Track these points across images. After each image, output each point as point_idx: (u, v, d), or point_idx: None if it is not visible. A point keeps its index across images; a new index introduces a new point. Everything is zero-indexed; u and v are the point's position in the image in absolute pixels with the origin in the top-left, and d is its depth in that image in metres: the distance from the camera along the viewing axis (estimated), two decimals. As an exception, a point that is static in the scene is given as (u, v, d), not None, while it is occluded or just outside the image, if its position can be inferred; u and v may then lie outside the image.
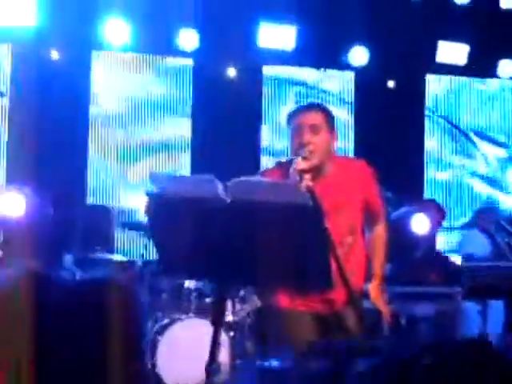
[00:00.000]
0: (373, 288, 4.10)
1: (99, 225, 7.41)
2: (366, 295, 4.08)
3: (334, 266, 3.42)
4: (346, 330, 3.89)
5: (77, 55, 8.49)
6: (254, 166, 8.98)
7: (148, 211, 2.97)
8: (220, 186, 2.81)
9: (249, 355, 5.96)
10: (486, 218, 7.96)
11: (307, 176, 3.70)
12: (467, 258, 7.42)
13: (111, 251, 7.35)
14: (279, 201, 2.79)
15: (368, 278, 4.11)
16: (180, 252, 3.00)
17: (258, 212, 2.81)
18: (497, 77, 9.91)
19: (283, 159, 4.03)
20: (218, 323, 3.31)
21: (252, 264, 2.93)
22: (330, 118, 4.03)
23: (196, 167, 8.91)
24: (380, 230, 4.22)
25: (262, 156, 9.29)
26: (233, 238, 2.87)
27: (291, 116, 4.02)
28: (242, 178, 2.84)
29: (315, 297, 3.77)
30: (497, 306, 7.50)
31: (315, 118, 3.96)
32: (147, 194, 2.93)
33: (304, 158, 3.77)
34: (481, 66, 9.75)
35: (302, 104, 4.41)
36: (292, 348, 3.69)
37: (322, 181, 3.86)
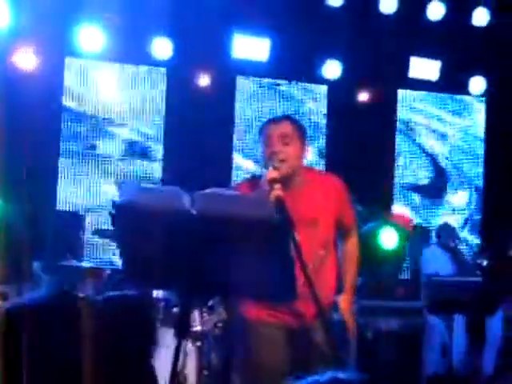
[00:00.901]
0: (343, 300, 4.12)
1: (68, 231, 7.37)
2: (335, 307, 4.10)
3: (302, 279, 3.47)
4: (315, 343, 3.89)
5: (50, 61, 8.46)
6: (226, 176, 9.03)
7: (113, 220, 2.97)
8: (186, 198, 2.82)
9: (215, 367, 5.95)
10: (446, 234, 8.05)
11: (277, 186, 3.69)
12: (430, 273, 7.49)
13: (80, 258, 7.32)
14: (244, 213, 2.81)
15: (339, 290, 4.13)
16: (145, 263, 3.00)
17: (224, 224, 2.82)
18: (468, 93, 10.01)
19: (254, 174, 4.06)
20: (181, 334, 3.31)
21: (218, 275, 2.95)
22: (301, 129, 4.04)
23: (168, 176, 8.90)
24: (352, 244, 4.24)
25: (233, 167, 9.31)
26: (198, 250, 2.88)
27: (263, 128, 4.05)
28: (208, 191, 2.86)
29: (284, 309, 3.77)
30: (462, 320, 7.59)
31: (286, 128, 3.97)
32: (113, 203, 2.92)
33: (274, 168, 3.77)
34: (452, 82, 9.85)
35: (273, 117, 4.44)
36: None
37: (293, 192, 3.85)
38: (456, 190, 10.31)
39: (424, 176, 10.19)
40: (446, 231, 8.17)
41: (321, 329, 3.82)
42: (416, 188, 10.14)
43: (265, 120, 4.25)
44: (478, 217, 10.28)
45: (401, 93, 10.05)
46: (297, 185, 3.94)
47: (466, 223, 10.20)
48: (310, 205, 3.93)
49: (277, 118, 4.21)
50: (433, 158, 10.24)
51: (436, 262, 7.75)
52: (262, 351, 3.91)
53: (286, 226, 2.92)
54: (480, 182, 10.31)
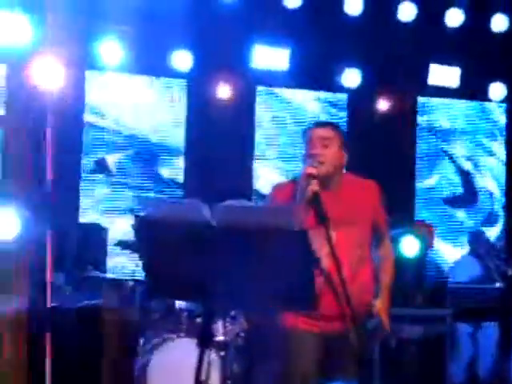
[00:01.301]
0: (380, 302, 4.17)
1: (92, 243, 7.43)
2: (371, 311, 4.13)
3: (339, 287, 3.58)
4: (349, 349, 3.93)
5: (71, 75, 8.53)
6: (248, 187, 9.06)
7: (136, 234, 3.02)
8: (206, 210, 2.87)
9: (238, 376, 5.98)
10: (477, 242, 8.03)
11: (314, 181, 3.82)
12: (459, 280, 7.49)
13: (103, 270, 7.37)
14: (265, 225, 2.84)
15: (376, 293, 4.17)
16: (167, 274, 3.04)
17: (244, 236, 2.85)
18: (488, 100, 9.99)
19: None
20: (204, 344, 3.34)
21: (239, 286, 2.98)
22: (341, 136, 4.18)
23: (189, 188, 8.94)
24: (386, 248, 4.32)
25: (254, 178, 9.33)
26: (219, 261, 2.91)
27: (306, 131, 4.19)
28: (228, 202, 2.90)
29: (318, 314, 3.74)
30: (488, 328, 7.56)
31: (326, 132, 4.11)
32: (135, 217, 2.98)
33: (313, 167, 3.91)
34: (472, 89, 9.84)
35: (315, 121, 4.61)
36: None
37: (330, 192, 3.98)
38: (482, 195, 10.30)
39: (449, 183, 10.18)
40: (477, 239, 8.16)
41: (355, 335, 3.87)
42: (441, 196, 10.13)
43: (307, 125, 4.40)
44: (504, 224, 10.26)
45: (421, 100, 10.05)
46: (334, 186, 4.06)
47: (496, 230, 10.18)
48: (347, 205, 4.02)
49: (319, 122, 4.41)
50: (456, 164, 10.22)
51: (467, 270, 7.74)
52: (296, 358, 3.97)
53: (304, 238, 2.93)
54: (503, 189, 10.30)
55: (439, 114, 10.20)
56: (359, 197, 4.09)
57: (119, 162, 9.05)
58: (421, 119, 10.10)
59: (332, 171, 4.03)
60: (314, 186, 3.82)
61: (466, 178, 10.25)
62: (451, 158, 10.22)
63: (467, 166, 10.26)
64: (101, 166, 8.98)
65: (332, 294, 3.76)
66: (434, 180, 10.12)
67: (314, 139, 4.06)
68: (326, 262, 3.78)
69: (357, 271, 3.97)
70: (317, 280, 3.51)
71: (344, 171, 4.20)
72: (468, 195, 10.24)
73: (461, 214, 10.15)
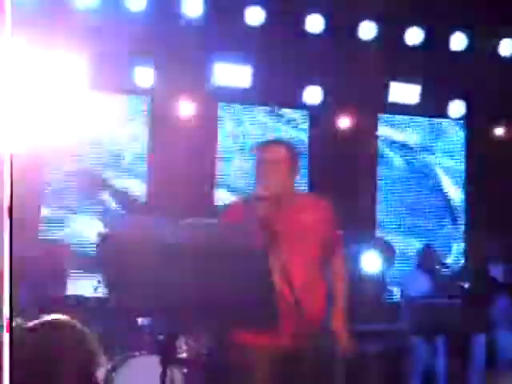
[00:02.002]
0: (335, 318, 4.19)
1: (54, 261, 7.38)
2: (326, 326, 4.16)
3: (291, 298, 3.59)
4: (305, 363, 3.95)
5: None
6: (210, 202, 9.06)
7: (98, 250, 3.02)
8: (170, 227, 2.88)
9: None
10: (427, 257, 8.10)
11: (265, 204, 3.85)
12: (410, 296, 7.54)
13: (65, 287, 7.34)
14: (225, 241, 2.87)
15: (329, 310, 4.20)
16: (129, 291, 3.04)
17: (206, 253, 2.87)
18: (447, 117, 10.11)
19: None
20: (166, 361, 3.34)
21: (201, 302, 2.99)
22: (292, 155, 4.18)
23: (152, 204, 8.92)
24: (339, 264, 4.35)
25: (217, 191, 9.34)
26: (182, 278, 2.92)
27: (255, 149, 4.25)
28: (191, 220, 2.92)
29: (273, 330, 3.78)
30: (444, 342, 7.64)
31: (277, 152, 4.12)
32: (98, 234, 2.98)
33: (263, 189, 3.94)
34: (432, 106, 9.95)
35: (266, 139, 4.61)
36: None
37: (282, 211, 4.00)
38: (441, 211, 10.40)
39: (408, 198, 10.26)
40: (426, 253, 8.23)
41: (312, 348, 3.90)
42: (401, 210, 10.21)
43: (256, 143, 4.41)
44: (460, 240, 10.36)
45: (381, 117, 10.15)
46: (285, 205, 4.07)
47: (449, 246, 10.28)
48: (298, 223, 4.04)
49: (269, 141, 4.37)
50: (416, 181, 10.32)
51: (417, 284, 7.81)
52: (252, 373, 3.97)
53: (264, 257, 2.95)
54: (461, 204, 10.41)
55: (399, 130, 10.29)
56: (310, 215, 4.11)
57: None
58: (381, 136, 10.19)
59: (282, 192, 4.05)
60: (265, 208, 3.86)
61: (427, 192, 10.35)
62: (411, 173, 10.31)
63: (426, 181, 10.35)
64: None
65: (285, 312, 3.79)
66: (396, 196, 10.19)
67: (265, 161, 4.09)
68: (277, 280, 3.82)
69: (309, 288, 3.98)
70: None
71: (295, 190, 4.23)
72: (429, 210, 10.33)
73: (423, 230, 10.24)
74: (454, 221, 10.39)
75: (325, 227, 4.14)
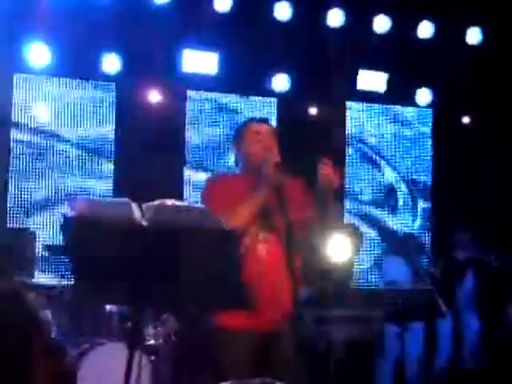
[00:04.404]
0: None
1: (20, 248, 7.32)
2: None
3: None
4: (281, 349, 3.96)
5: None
6: (178, 189, 9.04)
7: (64, 234, 2.99)
8: (136, 210, 2.86)
9: (168, 380, 5.97)
10: (405, 244, 8.16)
11: (278, 170, 3.93)
12: (388, 282, 7.59)
13: (32, 275, 7.28)
14: (195, 224, 2.85)
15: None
16: (96, 276, 3.02)
17: (175, 235, 2.86)
18: (415, 105, 10.17)
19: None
20: (134, 348, 3.31)
21: (170, 286, 2.97)
22: (277, 133, 4.26)
23: (119, 190, 8.88)
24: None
25: (184, 180, 9.31)
26: (149, 262, 2.91)
27: (244, 126, 4.26)
28: (158, 201, 2.90)
29: (250, 315, 3.66)
30: (416, 329, 7.69)
31: (270, 130, 4.23)
32: (63, 217, 2.95)
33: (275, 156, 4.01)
34: (399, 94, 10.00)
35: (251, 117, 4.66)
36: None
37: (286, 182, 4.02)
38: (409, 198, 10.45)
39: (375, 186, 10.31)
40: (405, 241, 8.29)
41: (289, 335, 3.91)
42: (368, 198, 10.26)
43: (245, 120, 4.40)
44: (428, 226, 10.43)
45: (349, 105, 10.18)
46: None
47: (423, 232, 10.35)
48: (291, 196, 4.02)
49: (259, 118, 4.44)
50: (383, 168, 10.36)
51: (393, 270, 7.85)
52: (228, 357, 3.95)
53: (232, 238, 2.93)
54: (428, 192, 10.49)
55: (367, 118, 10.32)
56: (293, 192, 4.10)
57: (47, 166, 8.92)
58: (350, 123, 10.22)
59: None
60: (278, 174, 3.91)
61: (393, 182, 10.40)
62: (378, 162, 10.35)
63: (394, 170, 10.40)
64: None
65: (262, 295, 3.80)
66: (363, 184, 10.23)
67: (264, 133, 4.16)
68: (263, 252, 3.86)
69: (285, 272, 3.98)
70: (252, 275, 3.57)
71: None
72: (395, 199, 10.39)
73: (388, 218, 10.29)
74: (421, 209, 10.47)
75: (302, 205, 4.12)
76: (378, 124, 10.36)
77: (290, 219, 3.85)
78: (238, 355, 3.93)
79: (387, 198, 10.25)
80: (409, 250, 8.08)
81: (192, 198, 8.94)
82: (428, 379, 7.56)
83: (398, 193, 10.36)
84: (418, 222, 10.38)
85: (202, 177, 9.12)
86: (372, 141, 10.34)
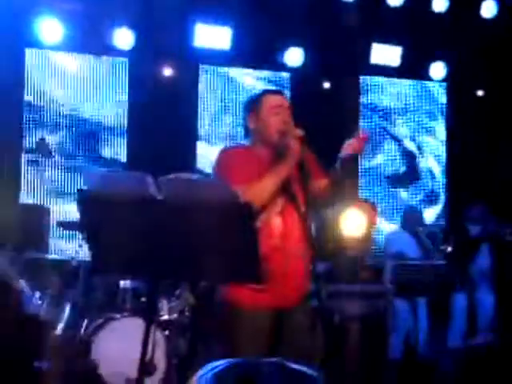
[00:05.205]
0: None
1: (33, 224, 7.32)
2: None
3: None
4: (295, 326, 3.94)
5: (10, 52, 8.40)
6: (191, 164, 9.03)
7: (80, 208, 2.97)
8: (152, 183, 2.84)
9: (183, 355, 5.97)
10: (411, 219, 8.13)
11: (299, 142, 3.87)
12: (396, 256, 7.57)
13: (45, 251, 7.29)
14: (211, 198, 2.83)
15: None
16: (112, 250, 3.01)
17: (190, 209, 2.84)
18: (429, 79, 10.10)
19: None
20: (150, 321, 3.31)
21: (185, 259, 2.96)
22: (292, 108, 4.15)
23: (132, 165, 8.88)
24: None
25: (197, 157, 9.31)
26: (165, 235, 2.89)
27: (262, 97, 4.12)
28: (173, 175, 2.88)
29: (266, 292, 3.65)
30: (426, 304, 7.70)
31: (287, 103, 4.12)
32: (79, 191, 2.93)
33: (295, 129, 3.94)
34: (414, 68, 9.93)
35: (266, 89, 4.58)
36: None
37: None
38: (424, 174, 10.43)
39: (391, 161, 10.27)
40: (411, 215, 8.25)
41: (303, 312, 3.89)
42: (383, 173, 10.23)
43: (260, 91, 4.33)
44: (442, 202, 10.41)
45: (363, 79, 10.12)
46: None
47: (436, 209, 10.33)
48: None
49: (277, 90, 4.42)
50: (399, 143, 10.33)
51: (400, 245, 7.83)
52: (241, 334, 3.92)
53: (249, 211, 2.91)
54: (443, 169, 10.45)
55: (381, 92, 10.27)
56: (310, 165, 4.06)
57: (60, 143, 8.92)
58: (363, 98, 10.17)
59: None
60: (299, 146, 3.86)
61: (408, 156, 10.37)
62: (393, 137, 10.31)
63: (409, 145, 10.36)
64: (41, 147, 8.85)
65: (285, 263, 3.81)
66: (377, 159, 10.20)
67: (284, 108, 4.06)
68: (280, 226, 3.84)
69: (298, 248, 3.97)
70: (268, 250, 3.55)
71: None
72: (410, 174, 10.36)
73: (403, 194, 10.26)
74: (432, 184, 10.44)
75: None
76: (392, 98, 10.31)
77: (310, 192, 3.82)
78: (250, 333, 3.89)
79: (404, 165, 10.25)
80: (414, 225, 8.05)
81: (206, 171, 8.92)
82: (437, 353, 7.55)
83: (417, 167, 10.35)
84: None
85: (214, 151, 9.09)
86: (386, 114, 10.29)
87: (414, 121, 10.39)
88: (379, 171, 10.21)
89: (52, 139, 8.87)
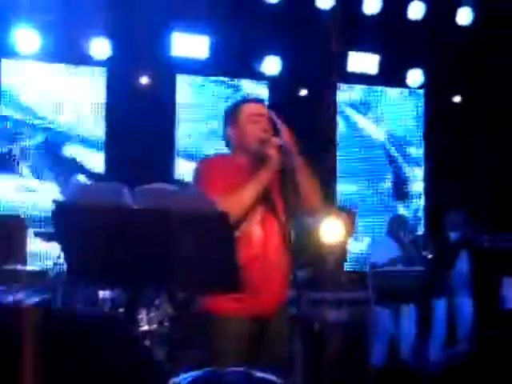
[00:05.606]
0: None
1: (11, 235, 7.27)
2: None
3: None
4: (273, 335, 3.93)
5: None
6: (168, 174, 9.01)
7: (55, 219, 2.93)
8: (127, 194, 2.81)
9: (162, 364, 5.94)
10: (397, 225, 8.15)
11: (279, 152, 3.84)
12: (377, 263, 7.58)
13: (24, 262, 7.23)
14: (187, 208, 2.81)
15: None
16: (88, 260, 2.98)
17: (167, 219, 2.82)
18: (406, 86, 10.14)
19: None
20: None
21: (162, 270, 2.94)
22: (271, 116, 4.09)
23: (109, 174, 8.84)
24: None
25: (176, 160, 9.29)
26: (142, 245, 2.87)
27: (241, 105, 4.08)
28: (150, 185, 2.86)
29: (244, 300, 3.68)
30: (408, 310, 7.70)
31: (267, 112, 4.05)
32: (54, 202, 2.90)
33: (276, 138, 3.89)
34: (391, 76, 9.97)
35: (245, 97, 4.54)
36: None
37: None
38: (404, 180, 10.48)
39: (367, 168, 10.30)
40: (397, 222, 8.27)
41: (279, 321, 3.88)
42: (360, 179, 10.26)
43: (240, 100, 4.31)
44: (422, 209, 10.45)
45: (341, 87, 10.14)
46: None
47: (415, 214, 10.37)
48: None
49: (256, 99, 4.29)
50: (375, 149, 10.37)
51: (385, 252, 7.84)
52: (218, 344, 3.89)
53: (226, 221, 2.89)
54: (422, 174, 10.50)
55: (358, 100, 10.30)
56: None
57: (35, 154, 8.86)
58: (341, 105, 10.19)
59: None
60: (279, 156, 3.82)
61: (389, 161, 10.40)
62: (373, 143, 10.35)
63: (389, 150, 10.40)
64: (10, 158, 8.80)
65: (264, 272, 3.80)
66: (356, 164, 10.23)
67: (263, 116, 4.01)
68: (260, 235, 3.82)
69: (278, 257, 3.96)
70: (247, 259, 3.53)
71: None
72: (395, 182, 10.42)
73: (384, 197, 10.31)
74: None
75: None
76: (369, 106, 10.34)
77: (290, 202, 3.80)
78: (228, 342, 3.87)
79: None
80: (399, 231, 8.07)
81: (185, 180, 8.90)
82: (420, 360, 7.56)
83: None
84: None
85: (192, 164, 9.08)
86: (363, 121, 10.32)
87: (392, 127, 10.42)
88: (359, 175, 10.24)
89: (27, 149, 8.81)
